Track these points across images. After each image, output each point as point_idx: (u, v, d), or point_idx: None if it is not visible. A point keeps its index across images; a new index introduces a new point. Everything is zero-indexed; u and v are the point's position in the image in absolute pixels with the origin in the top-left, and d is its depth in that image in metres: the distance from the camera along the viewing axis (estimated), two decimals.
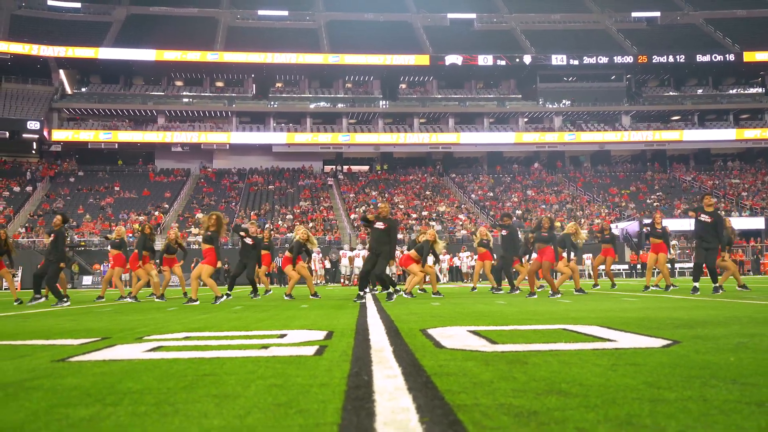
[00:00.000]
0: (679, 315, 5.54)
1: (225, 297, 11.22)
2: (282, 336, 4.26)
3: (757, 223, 41.07)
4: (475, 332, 4.22)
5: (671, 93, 57.10)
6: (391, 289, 10.61)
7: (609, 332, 4.04)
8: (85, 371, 2.79)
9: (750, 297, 8.85)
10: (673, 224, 38.60)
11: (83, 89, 52.79)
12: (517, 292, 12.51)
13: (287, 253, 13.38)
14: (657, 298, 9.47)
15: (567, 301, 8.98)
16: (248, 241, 12.93)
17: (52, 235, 11.64)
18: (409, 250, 12.67)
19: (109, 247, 14.68)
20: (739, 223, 41.65)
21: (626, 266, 33.47)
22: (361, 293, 10.10)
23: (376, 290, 13.72)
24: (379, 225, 10.25)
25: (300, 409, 1.91)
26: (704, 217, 10.59)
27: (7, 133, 46.57)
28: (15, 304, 11.60)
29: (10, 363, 3.17)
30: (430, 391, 2.15)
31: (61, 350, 3.67)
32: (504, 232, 13.19)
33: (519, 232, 14.32)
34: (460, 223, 40.79)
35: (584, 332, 4.07)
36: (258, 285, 14.06)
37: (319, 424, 1.73)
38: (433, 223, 39.52)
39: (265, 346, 3.61)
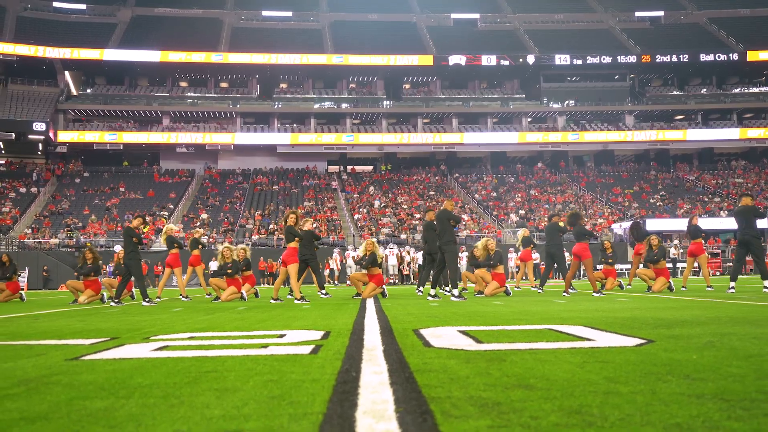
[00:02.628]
0: (665, 315, 5.75)
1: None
2: (281, 336, 4.50)
3: (760, 223, 41.06)
4: (464, 332, 4.44)
5: (675, 92, 57.19)
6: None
7: (591, 332, 4.26)
8: (98, 368, 3.03)
9: (741, 297, 9.05)
10: (676, 224, 38.86)
11: (88, 90, 53.19)
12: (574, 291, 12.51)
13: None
14: (651, 298, 9.68)
15: (562, 301, 9.20)
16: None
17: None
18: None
19: (189, 248, 14.39)
20: None
21: (628, 266, 33.59)
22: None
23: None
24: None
25: (291, 401, 2.15)
26: None
27: (13, 134, 46.98)
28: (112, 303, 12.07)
29: (28, 361, 3.41)
30: (410, 386, 2.38)
31: (73, 349, 3.91)
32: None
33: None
34: (464, 223, 40.98)
35: (567, 332, 4.29)
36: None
37: (306, 413, 1.97)
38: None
39: (265, 346, 3.84)
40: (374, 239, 12.75)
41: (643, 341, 3.66)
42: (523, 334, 4.32)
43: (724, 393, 2.15)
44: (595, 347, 3.43)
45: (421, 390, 2.29)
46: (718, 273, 34.98)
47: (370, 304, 9.07)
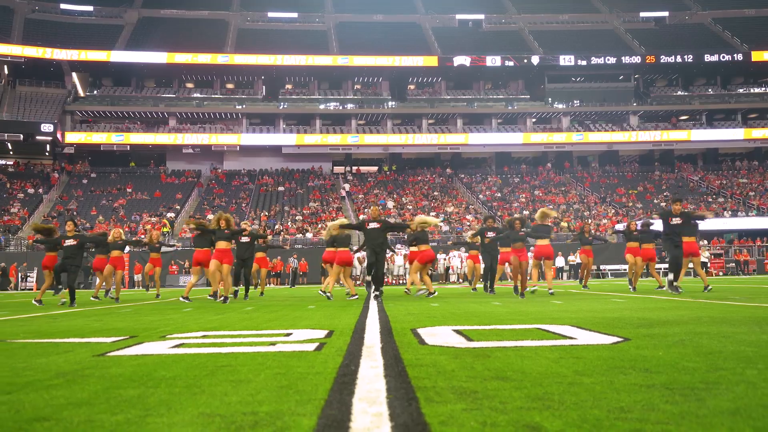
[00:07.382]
0: (650, 315, 6.06)
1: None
2: (288, 335, 4.84)
3: (764, 222, 41.37)
4: (458, 331, 4.77)
5: (679, 93, 57.35)
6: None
7: (576, 331, 4.58)
8: (124, 363, 3.38)
9: (733, 299, 9.33)
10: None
11: (95, 92, 53.70)
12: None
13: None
14: (644, 299, 9.97)
15: (559, 302, 9.51)
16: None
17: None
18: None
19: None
20: (746, 222, 42.06)
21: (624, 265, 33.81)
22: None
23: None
24: (374, 225, 11.17)
25: (298, 390, 2.50)
26: (676, 220, 11.83)
27: (21, 136, 47.49)
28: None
29: (58, 357, 3.76)
30: (402, 378, 2.72)
31: (97, 347, 4.26)
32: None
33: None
34: (468, 223, 41.30)
35: (554, 331, 4.62)
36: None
37: (311, 399, 2.32)
38: (442, 223, 40.08)
39: (273, 343, 4.19)
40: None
41: (620, 339, 3.99)
42: (512, 333, 4.64)
43: (672, 383, 2.48)
44: (574, 345, 3.76)
45: (411, 381, 2.63)
46: (720, 273, 35.19)
47: (373, 304, 9.41)
